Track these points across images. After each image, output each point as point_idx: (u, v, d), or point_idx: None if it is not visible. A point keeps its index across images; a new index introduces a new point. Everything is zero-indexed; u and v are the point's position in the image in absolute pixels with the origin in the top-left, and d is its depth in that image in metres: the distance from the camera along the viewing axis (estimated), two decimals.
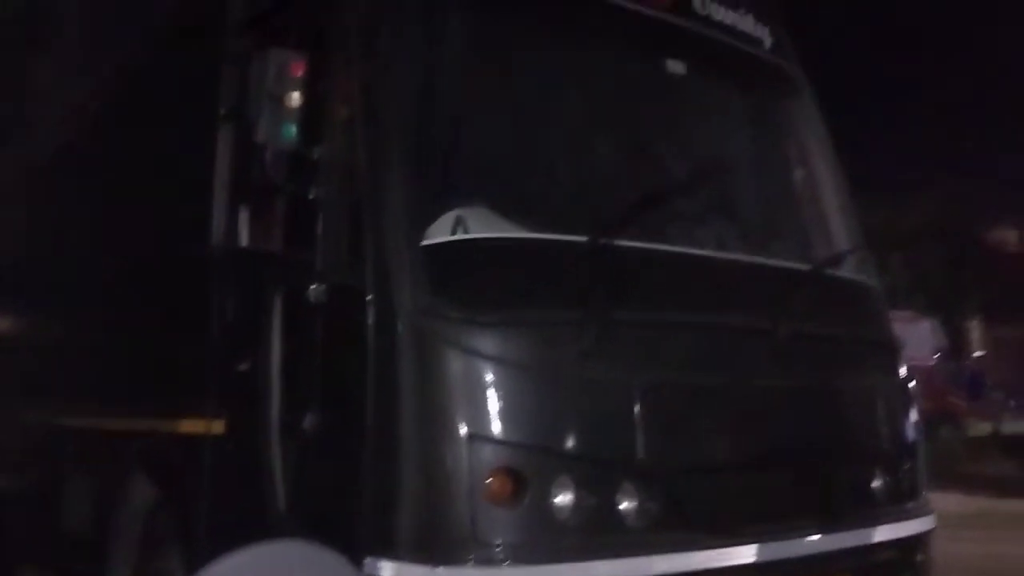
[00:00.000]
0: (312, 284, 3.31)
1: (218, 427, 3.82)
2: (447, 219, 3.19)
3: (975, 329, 35.62)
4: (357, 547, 2.96)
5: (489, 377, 2.99)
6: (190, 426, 4.01)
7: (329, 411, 3.27)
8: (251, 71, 3.75)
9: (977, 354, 31.88)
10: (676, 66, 3.99)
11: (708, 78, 4.20)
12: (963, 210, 31.73)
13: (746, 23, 4.36)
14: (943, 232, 32.18)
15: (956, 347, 29.23)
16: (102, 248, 5.41)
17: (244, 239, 3.89)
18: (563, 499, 2.98)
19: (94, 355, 5.30)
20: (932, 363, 21.65)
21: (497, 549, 2.91)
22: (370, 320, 3.09)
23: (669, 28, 3.98)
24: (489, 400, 2.97)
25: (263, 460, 3.49)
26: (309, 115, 3.35)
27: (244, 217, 3.88)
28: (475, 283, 3.17)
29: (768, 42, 4.48)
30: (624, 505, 3.09)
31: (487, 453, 2.94)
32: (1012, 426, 25.14)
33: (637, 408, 3.14)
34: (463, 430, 2.94)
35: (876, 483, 3.90)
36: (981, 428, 24.01)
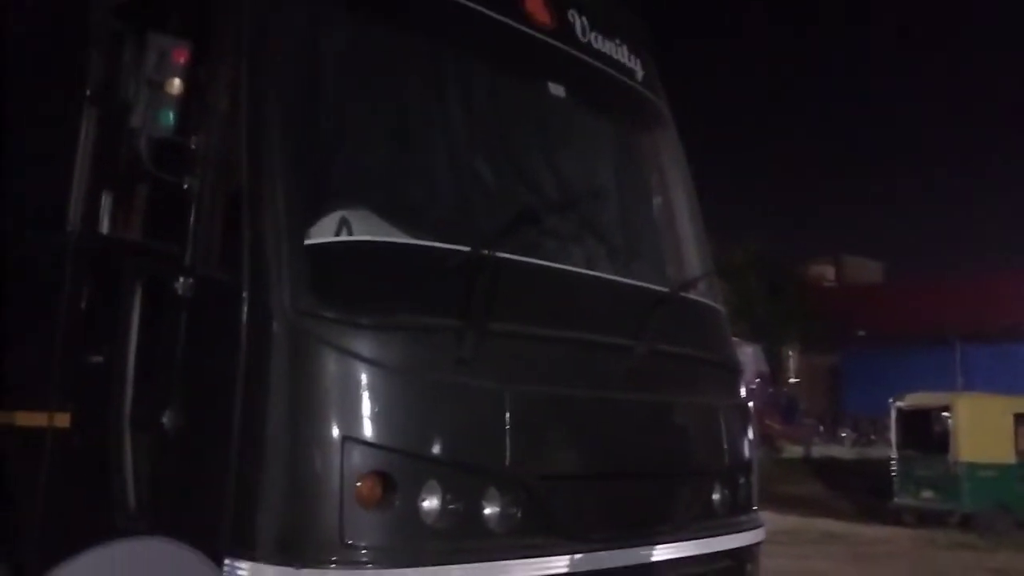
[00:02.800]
0: (180, 276, 3.22)
1: (62, 420, 3.63)
2: (331, 220, 3.18)
3: (792, 357, 38.00)
4: (217, 547, 2.90)
5: (365, 380, 2.98)
6: (28, 419, 3.78)
7: (191, 407, 3.18)
8: (125, 54, 3.62)
9: (792, 380, 34.04)
10: (556, 88, 4.13)
11: (585, 102, 4.36)
12: (784, 246, 33.90)
13: (621, 53, 4.55)
14: (765, 265, 34.25)
15: (774, 373, 31.05)
16: None
17: (105, 226, 3.72)
18: (431, 503, 3.02)
19: None
20: (752, 387, 22.91)
21: (363, 552, 2.92)
22: (243, 316, 3.03)
23: (551, 50, 4.10)
24: (363, 403, 2.97)
25: (113, 456, 3.35)
26: (189, 103, 3.26)
27: (106, 203, 3.71)
28: (356, 285, 3.17)
29: (640, 74, 4.69)
30: (488, 510, 3.16)
31: (359, 456, 2.93)
32: (821, 449, 27.00)
33: (506, 416, 3.21)
34: (336, 432, 2.93)
35: (716, 496, 4.14)
36: (793, 451, 25.64)
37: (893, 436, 15.69)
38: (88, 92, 3.83)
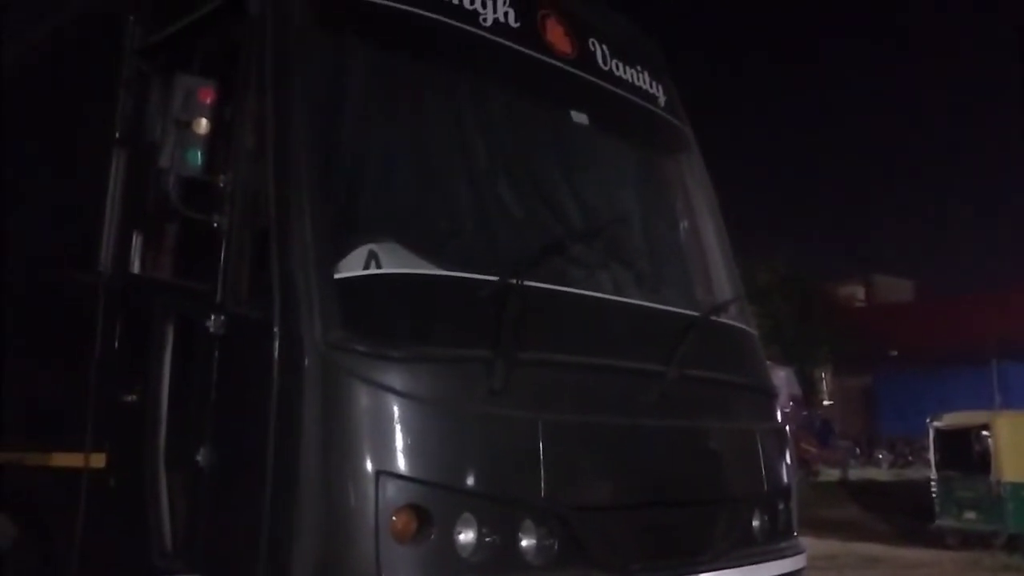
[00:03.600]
0: (211, 314, 3.23)
1: (98, 460, 3.64)
2: (359, 253, 3.18)
3: (824, 379, 37.57)
4: None
5: (397, 413, 2.97)
6: (64, 459, 3.81)
7: (226, 445, 3.17)
8: (153, 95, 3.68)
9: (826, 402, 33.63)
10: (580, 116, 4.14)
11: (608, 129, 4.37)
12: (813, 267, 33.66)
13: (643, 80, 4.56)
14: (794, 286, 33.97)
15: (807, 396, 30.70)
16: None
17: (136, 266, 3.76)
18: (467, 536, 2.99)
19: None
20: (787, 410, 22.64)
21: None
22: (275, 352, 3.02)
23: (574, 79, 4.12)
24: (396, 436, 2.95)
25: (149, 495, 3.35)
26: (216, 142, 3.29)
27: (137, 243, 3.76)
28: (386, 318, 3.17)
29: (662, 99, 4.69)
30: (525, 543, 3.12)
31: (394, 490, 2.91)
32: (857, 472, 26.59)
33: (539, 447, 3.18)
34: (370, 466, 2.91)
35: (756, 522, 4.07)
36: (830, 474, 25.26)
37: (932, 457, 15.39)
38: (117, 133, 3.90)
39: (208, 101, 3.26)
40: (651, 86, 4.63)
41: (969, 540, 14.19)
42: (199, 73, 3.40)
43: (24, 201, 4.63)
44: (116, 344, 3.74)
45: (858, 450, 31.53)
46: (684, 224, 4.82)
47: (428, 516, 2.93)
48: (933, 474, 15.15)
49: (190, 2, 3.74)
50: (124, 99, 3.91)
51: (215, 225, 3.32)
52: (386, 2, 3.51)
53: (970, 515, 14.38)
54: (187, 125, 3.22)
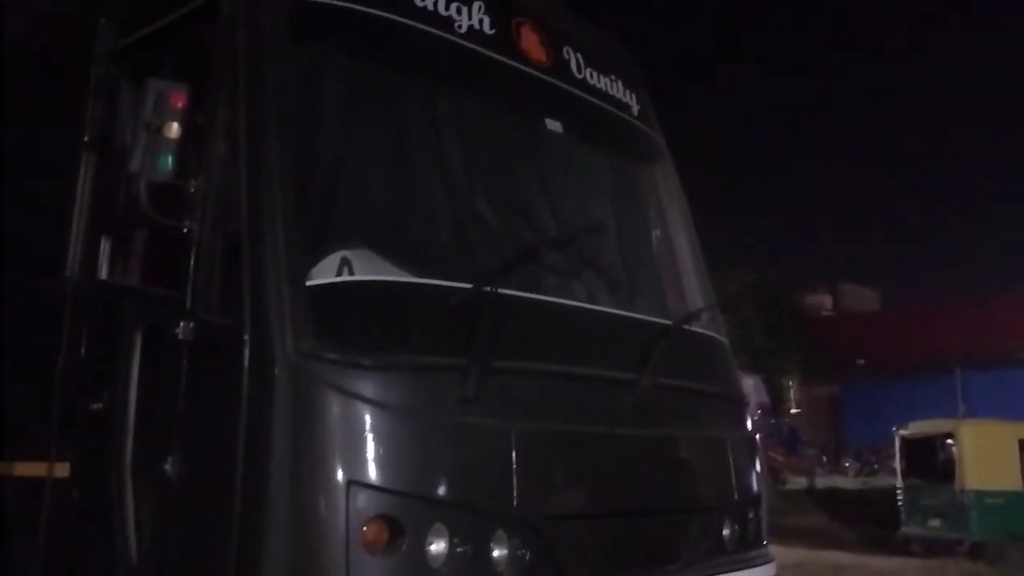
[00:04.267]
0: (180, 321, 3.19)
1: (62, 470, 3.58)
2: (332, 260, 3.16)
3: (792, 387, 37.86)
4: None
5: (369, 422, 2.94)
6: (27, 469, 3.73)
7: (195, 454, 3.13)
8: (122, 99, 3.63)
9: (793, 411, 33.87)
10: (554, 124, 4.14)
11: (582, 137, 4.37)
12: (781, 276, 33.91)
13: (617, 89, 4.57)
14: (762, 296, 34.22)
15: (775, 404, 30.92)
16: None
17: (104, 271, 3.70)
18: (438, 547, 2.97)
19: None
20: (755, 419, 22.76)
21: None
22: (245, 360, 2.99)
23: (548, 87, 4.12)
24: (368, 446, 2.93)
25: (115, 505, 3.29)
26: (188, 147, 3.25)
27: (106, 248, 3.71)
28: (358, 326, 3.14)
29: (636, 108, 4.71)
30: (497, 553, 3.11)
31: (365, 500, 2.88)
32: (824, 480, 26.80)
33: (512, 456, 3.16)
34: (340, 476, 2.88)
35: (726, 531, 4.08)
36: (797, 482, 25.44)
37: (898, 465, 15.56)
38: (86, 137, 3.85)
39: (180, 105, 3.21)
40: (625, 95, 4.65)
41: (934, 548, 14.34)
42: (170, 77, 3.36)
43: None
44: (83, 350, 3.68)
45: (825, 458, 31.78)
46: (657, 233, 4.84)
47: (399, 526, 2.90)
48: (899, 482, 15.31)
49: (161, 5, 3.71)
50: (94, 102, 3.86)
51: (185, 231, 3.28)
52: (359, 7, 3.49)
53: (935, 523, 14.54)
54: (158, 129, 3.17)
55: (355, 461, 2.90)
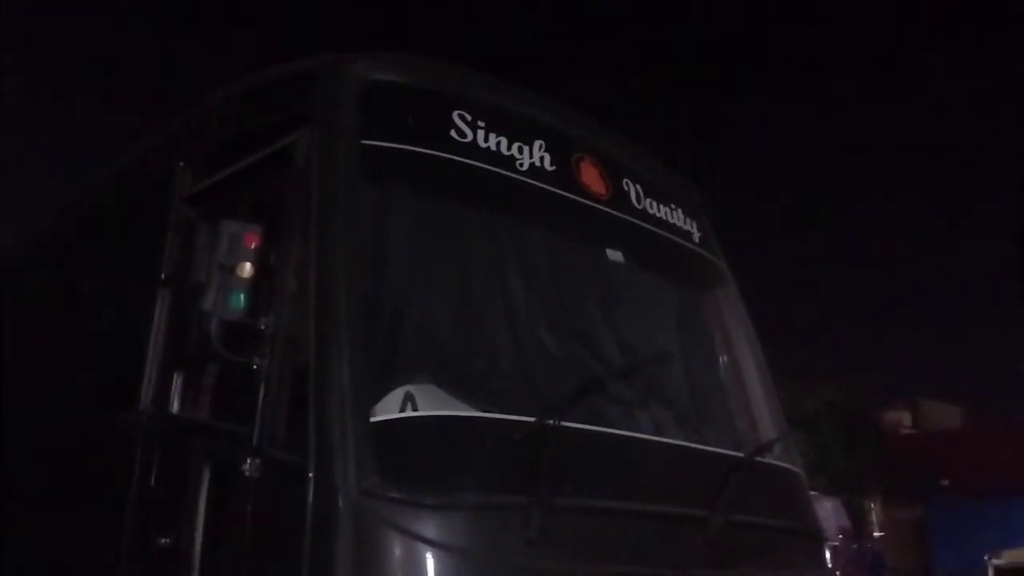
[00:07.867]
0: (247, 457, 3.22)
1: None
2: (396, 395, 3.17)
3: (874, 509, 36.22)
4: None
5: (431, 564, 2.89)
6: None
7: None
8: (198, 240, 3.79)
9: (877, 535, 32.26)
10: (615, 254, 4.17)
11: (644, 266, 4.38)
12: (859, 393, 32.91)
13: (677, 217, 4.60)
14: (841, 414, 33.19)
15: (856, 528, 29.57)
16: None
17: (176, 406, 3.79)
18: None
19: None
20: (836, 543, 21.80)
21: None
22: (309, 498, 2.99)
23: (608, 218, 4.16)
24: None
25: None
26: (259, 286, 3.36)
27: (177, 383, 3.80)
28: (421, 463, 3.12)
29: (697, 235, 4.72)
30: None
31: None
32: None
33: None
34: None
35: None
36: None
37: None
38: (163, 275, 4.00)
39: (253, 246, 3.34)
40: (685, 222, 4.67)
41: None
42: (244, 219, 3.50)
43: (74, 339, 4.73)
44: (153, 483, 3.73)
45: None
46: (724, 360, 4.76)
47: None
48: None
49: (237, 151, 3.89)
50: (171, 242, 4.03)
51: (255, 367, 3.35)
52: (427, 151, 3.61)
53: None
54: (231, 269, 3.29)
55: None
